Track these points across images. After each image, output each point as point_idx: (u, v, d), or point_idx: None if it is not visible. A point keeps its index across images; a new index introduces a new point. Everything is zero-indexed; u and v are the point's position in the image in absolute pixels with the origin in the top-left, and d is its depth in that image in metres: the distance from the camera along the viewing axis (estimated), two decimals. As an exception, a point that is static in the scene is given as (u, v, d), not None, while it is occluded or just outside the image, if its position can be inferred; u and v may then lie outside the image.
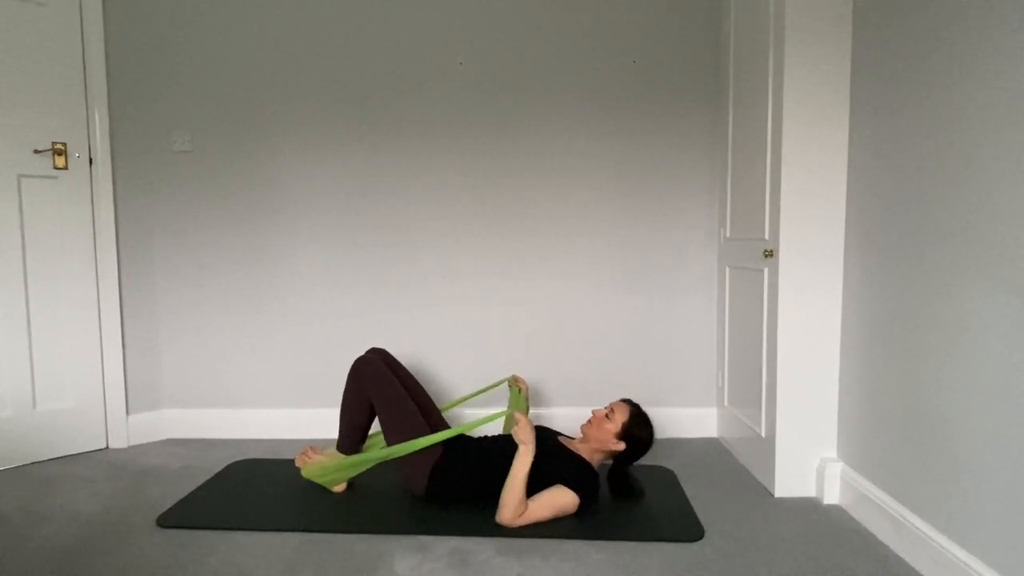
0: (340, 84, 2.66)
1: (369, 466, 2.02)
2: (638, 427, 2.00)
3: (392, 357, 2.25)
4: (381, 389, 2.00)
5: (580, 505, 1.88)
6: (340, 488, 2.10)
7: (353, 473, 2.06)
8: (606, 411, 2.02)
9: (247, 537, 1.80)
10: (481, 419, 1.92)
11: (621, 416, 2.00)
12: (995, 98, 1.35)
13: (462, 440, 2.04)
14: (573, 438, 2.14)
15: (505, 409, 2.25)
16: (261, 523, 1.87)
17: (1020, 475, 1.29)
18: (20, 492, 2.14)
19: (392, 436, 1.96)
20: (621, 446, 1.97)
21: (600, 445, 1.99)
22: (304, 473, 2.10)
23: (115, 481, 2.24)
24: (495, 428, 2.60)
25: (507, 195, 2.68)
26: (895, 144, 1.71)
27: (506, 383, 2.50)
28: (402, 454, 1.91)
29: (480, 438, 2.08)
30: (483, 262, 2.70)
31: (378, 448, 2.13)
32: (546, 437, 2.03)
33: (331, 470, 2.05)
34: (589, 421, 2.04)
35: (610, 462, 2.08)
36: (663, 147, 2.64)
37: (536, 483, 1.88)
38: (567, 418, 2.68)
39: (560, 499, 1.86)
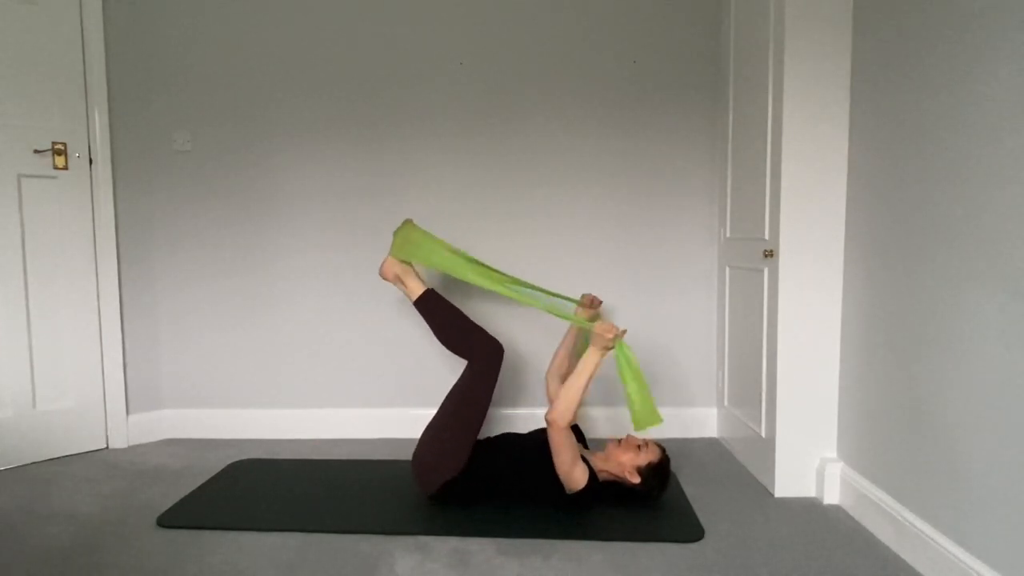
0: (340, 84, 2.66)
1: (454, 267, 2.07)
2: (658, 475, 1.96)
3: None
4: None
5: (580, 492, 1.89)
6: (393, 271, 2.14)
7: (440, 257, 2.09)
8: (640, 443, 2.00)
9: (247, 537, 1.80)
10: (555, 308, 2.00)
11: (650, 455, 1.97)
12: (996, 98, 1.35)
13: (490, 460, 1.99)
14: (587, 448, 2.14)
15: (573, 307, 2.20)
16: (261, 523, 1.87)
17: (1020, 475, 1.29)
18: (20, 492, 2.14)
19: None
20: (636, 479, 1.93)
21: (618, 469, 1.97)
22: (404, 227, 2.18)
23: (115, 481, 2.24)
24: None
25: (507, 195, 2.68)
26: (895, 144, 1.71)
27: (575, 308, 2.27)
28: (500, 289, 2.04)
29: (508, 446, 2.04)
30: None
31: (483, 272, 2.13)
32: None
33: (429, 239, 2.13)
34: (619, 442, 2.01)
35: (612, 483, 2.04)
36: (663, 147, 2.64)
37: (543, 469, 1.89)
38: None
39: (580, 466, 1.87)
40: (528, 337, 2.69)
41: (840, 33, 1.93)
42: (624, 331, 1.92)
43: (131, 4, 2.59)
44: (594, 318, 2.20)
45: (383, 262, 2.21)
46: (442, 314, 2.10)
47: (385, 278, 2.19)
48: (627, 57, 2.62)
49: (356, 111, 2.67)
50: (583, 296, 2.23)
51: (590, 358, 1.88)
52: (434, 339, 2.67)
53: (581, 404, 1.90)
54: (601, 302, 2.22)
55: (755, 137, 2.19)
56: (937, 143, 1.54)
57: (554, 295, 2.23)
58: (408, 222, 2.22)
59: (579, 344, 2.24)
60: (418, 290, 2.13)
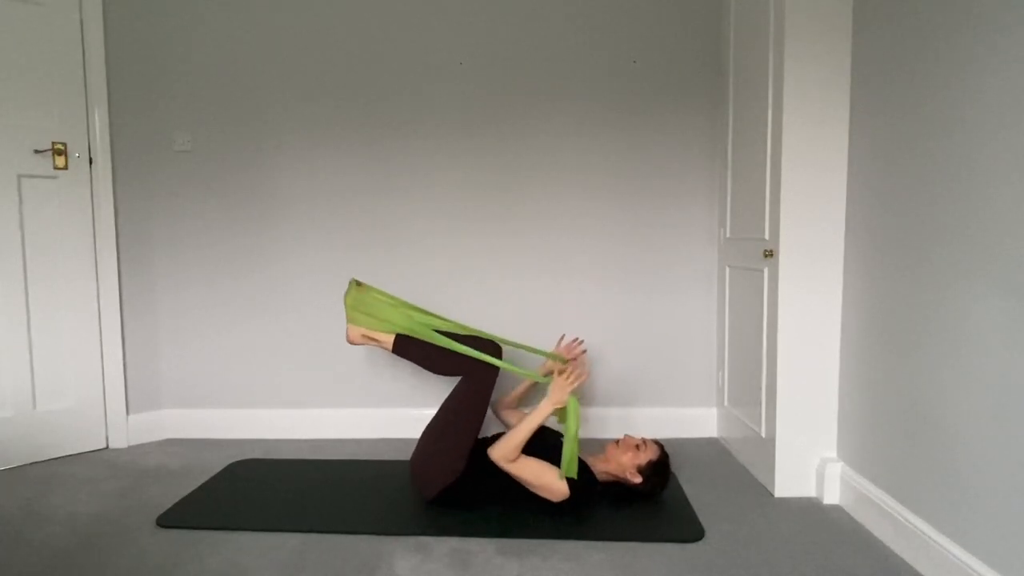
0: (340, 84, 2.66)
1: (413, 327, 2.01)
2: (658, 472, 1.97)
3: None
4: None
5: (564, 503, 1.89)
6: (358, 333, 2.07)
7: (395, 323, 2.03)
8: (637, 442, 2.01)
9: (247, 537, 1.80)
10: (519, 369, 2.04)
11: (649, 454, 1.98)
12: (995, 98, 1.35)
13: (487, 462, 1.98)
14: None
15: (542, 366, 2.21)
16: (261, 523, 1.87)
17: (1020, 475, 1.29)
18: (20, 492, 2.14)
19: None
20: (638, 479, 1.95)
21: (618, 470, 1.98)
22: (355, 287, 2.08)
23: (115, 481, 2.24)
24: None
25: (507, 195, 2.68)
26: (895, 144, 1.71)
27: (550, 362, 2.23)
28: (447, 345, 1.96)
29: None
30: (483, 262, 2.70)
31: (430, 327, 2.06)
32: (556, 440, 2.03)
33: (380, 304, 2.04)
34: (616, 443, 2.03)
35: (613, 484, 2.05)
36: (663, 147, 2.64)
37: None
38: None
39: (548, 476, 1.87)
40: (524, 339, 2.69)
41: (840, 33, 1.93)
42: (581, 383, 1.94)
43: (131, 4, 2.59)
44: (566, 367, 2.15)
45: (346, 331, 2.17)
46: (423, 346, 2.03)
47: (354, 343, 2.10)
48: (627, 57, 2.62)
49: (356, 111, 2.67)
50: (559, 345, 2.20)
51: (543, 409, 1.91)
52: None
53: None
54: (584, 351, 2.17)
55: (755, 137, 2.19)
56: (936, 143, 1.54)
57: (521, 347, 2.21)
58: (353, 283, 2.11)
59: (531, 393, 2.33)
60: (390, 339, 2.06)
